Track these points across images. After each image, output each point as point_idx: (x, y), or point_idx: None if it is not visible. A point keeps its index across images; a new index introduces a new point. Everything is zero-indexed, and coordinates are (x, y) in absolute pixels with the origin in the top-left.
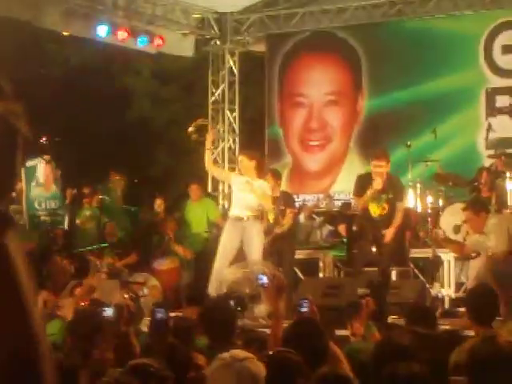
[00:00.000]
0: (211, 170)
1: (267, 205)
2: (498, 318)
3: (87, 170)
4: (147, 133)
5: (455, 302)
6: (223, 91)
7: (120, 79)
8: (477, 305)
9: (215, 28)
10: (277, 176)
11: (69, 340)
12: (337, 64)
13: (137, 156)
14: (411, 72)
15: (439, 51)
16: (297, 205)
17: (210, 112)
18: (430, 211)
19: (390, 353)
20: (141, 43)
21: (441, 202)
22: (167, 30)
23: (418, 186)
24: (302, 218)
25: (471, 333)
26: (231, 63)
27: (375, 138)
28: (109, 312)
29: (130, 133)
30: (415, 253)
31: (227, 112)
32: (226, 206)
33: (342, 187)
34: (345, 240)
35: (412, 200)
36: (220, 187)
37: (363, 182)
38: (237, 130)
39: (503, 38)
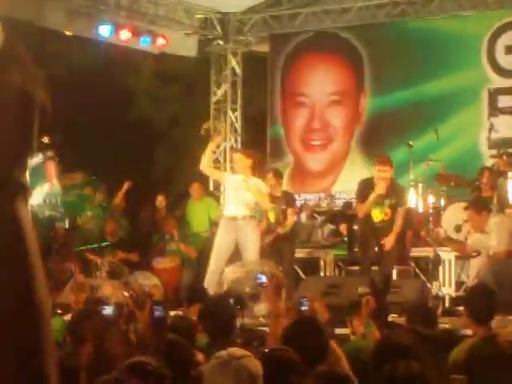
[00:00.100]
0: (205, 169)
1: (263, 203)
2: (497, 317)
3: (88, 169)
4: (149, 132)
5: (455, 301)
6: (225, 91)
7: (121, 79)
8: (475, 304)
9: (218, 28)
10: (278, 175)
11: (68, 339)
12: (339, 64)
13: (138, 156)
14: (413, 72)
15: (442, 51)
16: (298, 204)
17: (212, 112)
18: (431, 211)
19: (390, 351)
20: (144, 43)
21: (442, 202)
22: (170, 30)
23: (420, 185)
24: (303, 217)
25: (470, 332)
26: (234, 63)
27: (377, 137)
28: (109, 310)
29: (132, 132)
30: (416, 252)
31: (229, 112)
32: None
33: (344, 187)
34: (346, 239)
35: (414, 199)
36: (222, 186)
37: (365, 186)
38: (239, 130)
39: (506, 39)
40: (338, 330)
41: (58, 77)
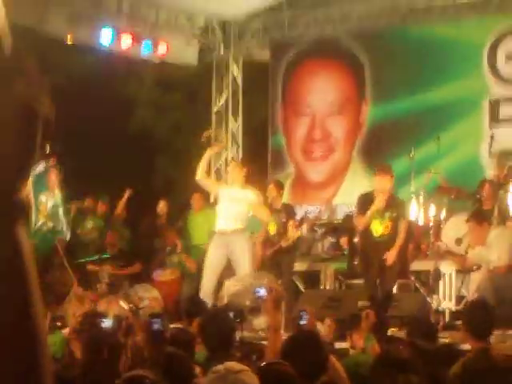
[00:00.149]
0: (201, 181)
1: (261, 214)
2: (496, 332)
3: (89, 179)
4: (150, 142)
5: (456, 315)
6: (226, 100)
7: (123, 88)
8: (474, 319)
9: (219, 35)
10: (279, 186)
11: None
12: (340, 71)
13: (139, 165)
14: (414, 81)
15: (443, 60)
16: (298, 217)
17: (213, 120)
18: (432, 223)
19: (389, 366)
20: (145, 50)
21: (443, 214)
22: (171, 38)
23: (421, 197)
24: (303, 229)
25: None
26: (235, 71)
27: (378, 147)
28: (108, 323)
29: (133, 142)
30: (416, 265)
31: (230, 121)
32: None
33: (345, 198)
34: (346, 252)
35: (414, 212)
36: (217, 199)
37: (365, 201)
38: (240, 139)
39: (507, 47)
40: (338, 344)
41: (59, 86)
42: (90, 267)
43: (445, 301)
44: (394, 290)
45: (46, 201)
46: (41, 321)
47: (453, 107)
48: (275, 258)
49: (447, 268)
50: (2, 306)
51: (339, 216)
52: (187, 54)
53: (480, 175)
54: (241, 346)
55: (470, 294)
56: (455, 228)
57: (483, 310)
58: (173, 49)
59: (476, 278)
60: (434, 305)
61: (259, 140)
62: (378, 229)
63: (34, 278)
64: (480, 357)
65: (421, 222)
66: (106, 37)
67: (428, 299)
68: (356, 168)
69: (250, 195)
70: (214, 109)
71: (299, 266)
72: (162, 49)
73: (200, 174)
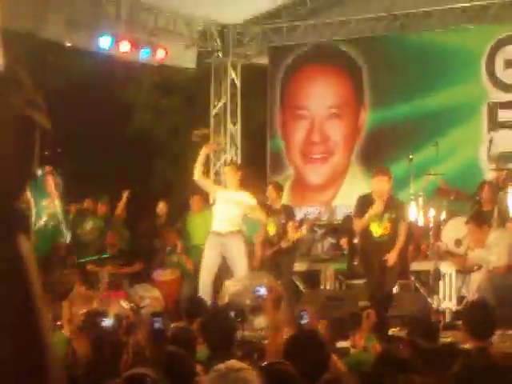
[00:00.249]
0: (200, 180)
1: (257, 215)
2: (497, 332)
3: (87, 182)
4: (148, 145)
5: (456, 315)
6: (225, 104)
7: (121, 91)
8: (474, 319)
9: (217, 40)
10: (278, 188)
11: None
12: (339, 77)
13: (137, 167)
14: (413, 86)
15: (441, 65)
16: (297, 218)
17: (211, 124)
18: (431, 225)
19: (390, 365)
20: (144, 55)
21: (443, 216)
22: (170, 42)
23: (420, 199)
24: (303, 230)
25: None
26: (233, 75)
27: (377, 151)
28: (108, 322)
29: (131, 145)
30: (416, 266)
31: (229, 124)
32: None
33: (344, 200)
34: (346, 253)
35: (414, 213)
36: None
37: (364, 203)
38: (238, 143)
39: (506, 53)
40: (339, 344)
41: (58, 89)
42: (90, 267)
43: (445, 301)
44: (395, 290)
45: (45, 205)
46: (43, 322)
47: (451, 112)
48: (275, 259)
49: (447, 268)
50: (3, 308)
51: (339, 217)
52: (186, 57)
53: (479, 178)
54: (242, 345)
55: (471, 294)
56: (455, 230)
57: (483, 310)
58: (171, 53)
59: (476, 278)
60: (435, 305)
61: (258, 143)
62: (378, 230)
63: (35, 279)
64: (478, 356)
65: (420, 224)
66: (104, 43)
67: (428, 299)
68: (355, 171)
69: (245, 198)
70: (213, 112)
71: (299, 267)
72: (160, 54)
73: (197, 174)
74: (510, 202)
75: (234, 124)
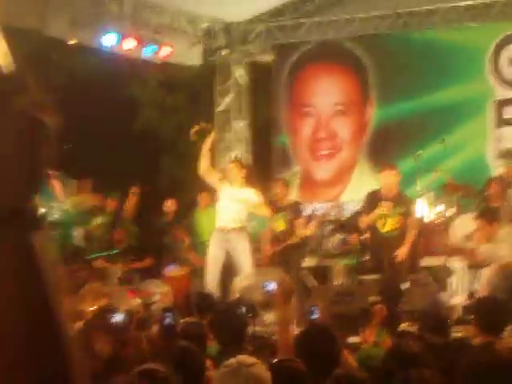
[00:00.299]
0: (206, 175)
1: (263, 212)
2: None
3: (95, 179)
4: (154, 142)
5: (467, 310)
6: (230, 101)
7: (126, 88)
8: (485, 314)
9: (222, 38)
10: (285, 185)
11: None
12: (344, 74)
13: (143, 165)
14: (418, 83)
15: (446, 62)
16: (305, 214)
17: (217, 121)
18: (440, 220)
19: (400, 360)
20: (148, 52)
21: (451, 212)
22: (174, 40)
23: (428, 195)
24: (312, 227)
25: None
26: (238, 73)
27: (384, 147)
28: (119, 318)
29: (137, 142)
30: (427, 261)
31: (234, 122)
32: None
33: (352, 196)
34: (356, 248)
35: (422, 210)
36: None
37: (372, 200)
38: (244, 140)
39: (510, 50)
40: (350, 339)
41: (62, 87)
42: (99, 263)
43: (456, 296)
44: (405, 285)
45: (53, 207)
46: (65, 322)
47: (458, 108)
48: (283, 255)
49: (458, 263)
50: (23, 309)
51: (347, 213)
52: (190, 54)
53: (486, 174)
54: (253, 341)
55: (481, 289)
56: (463, 225)
57: (494, 304)
58: (176, 50)
59: (487, 273)
60: (445, 300)
61: (264, 140)
62: (388, 225)
63: (53, 277)
64: (484, 350)
65: (428, 220)
66: (109, 40)
67: (439, 294)
68: (363, 167)
69: (250, 194)
70: (218, 109)
71: (309, 262)
72: (165, 51)
73: (202, 169)
74: None
75: (240, 121)
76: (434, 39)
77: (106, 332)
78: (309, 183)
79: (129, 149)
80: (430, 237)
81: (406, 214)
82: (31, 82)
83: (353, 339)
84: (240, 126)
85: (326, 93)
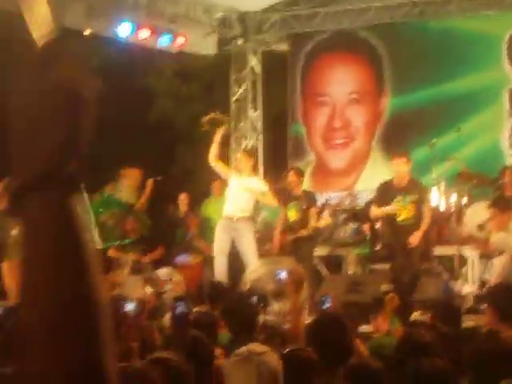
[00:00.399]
0: (215, 164)
1: (270, 201)
2: None
3: (109, 169)
4: (169, 131)
5: (479, 299)
6: (245, 90)
7: (141, 78)
8: (499, 302)
9: (237, 27)
10: (299, 174)
11: None
12: (359, 63)
13: (159, 154)
14: (434, 71)
15: (462, 51)
16: (319, 203)
17: (232, 111)
18: (453, 209)
19: (412, 349)
20: (163, 42)
21: (465, 200)
22: (189, 29)
23: (442, 184)
24: (326, 218)
25: None
26: (253, 62)
27: (398, 136)
28: (130, 306)
29: (152, 131)
30: (439, 250)
31: (249, 111)
32: None
33: (366, 185)
34: (369, 237)
35: (436, 198)
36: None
37: (384, 191)
38: (259, 129)
39: None
40: (361, 328)
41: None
42: (111, 252)
43: (468, 285)
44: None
45: None
46: (101, 297)
47: (473, 97)
48: (295, 245)
49: (470, 253)
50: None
51: (361, 202)
52: (206, 43)
53: (501, 163)
54: (264, 330)
55: (493, 278)
56: (477, 214)
57: (508, 292)
58: (191, 40)
59: (499, 262)
60: (457, 289)
61: (278, 129)
62: (401, 214)
63: (88, 240)
64: (489, 338)
65: (442, 208)
66: (125, 30)
67: (451, 283)
68: (376, 156)
69: (258, 184)
70: (233, 98)
71: (322, 251)
72: (180, 40)
73: (211, 159)
74: None
75: (255, 110)
76: (450, 28)
77: (118, 321)
78: (323, 172)
79: (143, 138)
80: (443, 225)
81: (420, 201)
82: (66, 53)
83: (365, 328)
84: (255, 115)
85: (341, 82)
